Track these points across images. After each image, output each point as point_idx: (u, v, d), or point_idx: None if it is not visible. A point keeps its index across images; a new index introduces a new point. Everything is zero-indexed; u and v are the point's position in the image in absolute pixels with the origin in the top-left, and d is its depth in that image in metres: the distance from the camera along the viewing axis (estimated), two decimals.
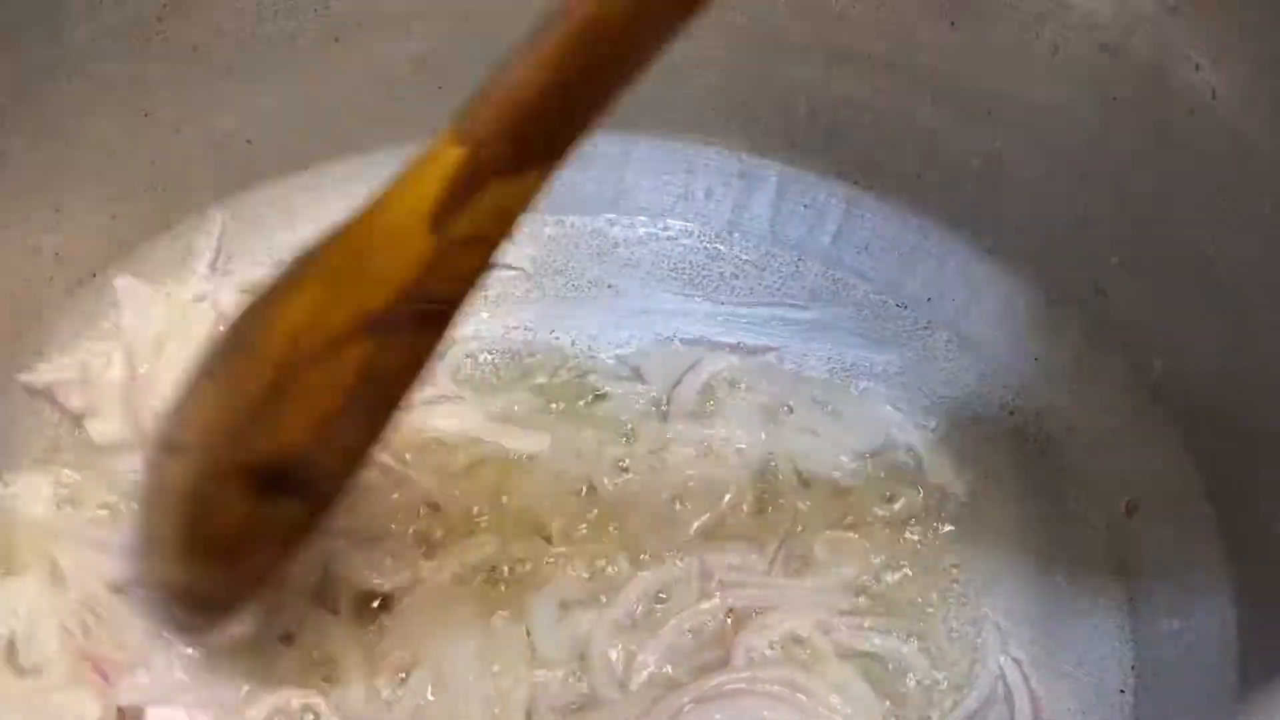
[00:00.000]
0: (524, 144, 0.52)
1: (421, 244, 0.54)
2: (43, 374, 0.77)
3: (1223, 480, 0.69)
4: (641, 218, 0.91)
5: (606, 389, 0.82)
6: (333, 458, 0.59)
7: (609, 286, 0.89)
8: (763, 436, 0.80)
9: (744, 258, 0.90)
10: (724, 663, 0.69)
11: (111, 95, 0.77)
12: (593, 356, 0.84)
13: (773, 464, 0.79)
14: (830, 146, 0.88)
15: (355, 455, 0.60)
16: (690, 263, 0.90)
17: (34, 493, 0.72)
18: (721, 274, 0.89)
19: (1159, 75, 0.70)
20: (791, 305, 0.88)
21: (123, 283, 0.80)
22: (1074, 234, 0.79)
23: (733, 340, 0.86)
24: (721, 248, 0.90)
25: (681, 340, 0.85)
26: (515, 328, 0.85)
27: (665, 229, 0.91)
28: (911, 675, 0.70)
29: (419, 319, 0.55)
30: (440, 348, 0.57)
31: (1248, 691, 0.61)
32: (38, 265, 0.77)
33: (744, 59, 0.87)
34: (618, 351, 0.85)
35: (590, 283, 0.89)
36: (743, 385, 0.83)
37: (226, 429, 0.58)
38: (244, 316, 0.60)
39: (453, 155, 0.53)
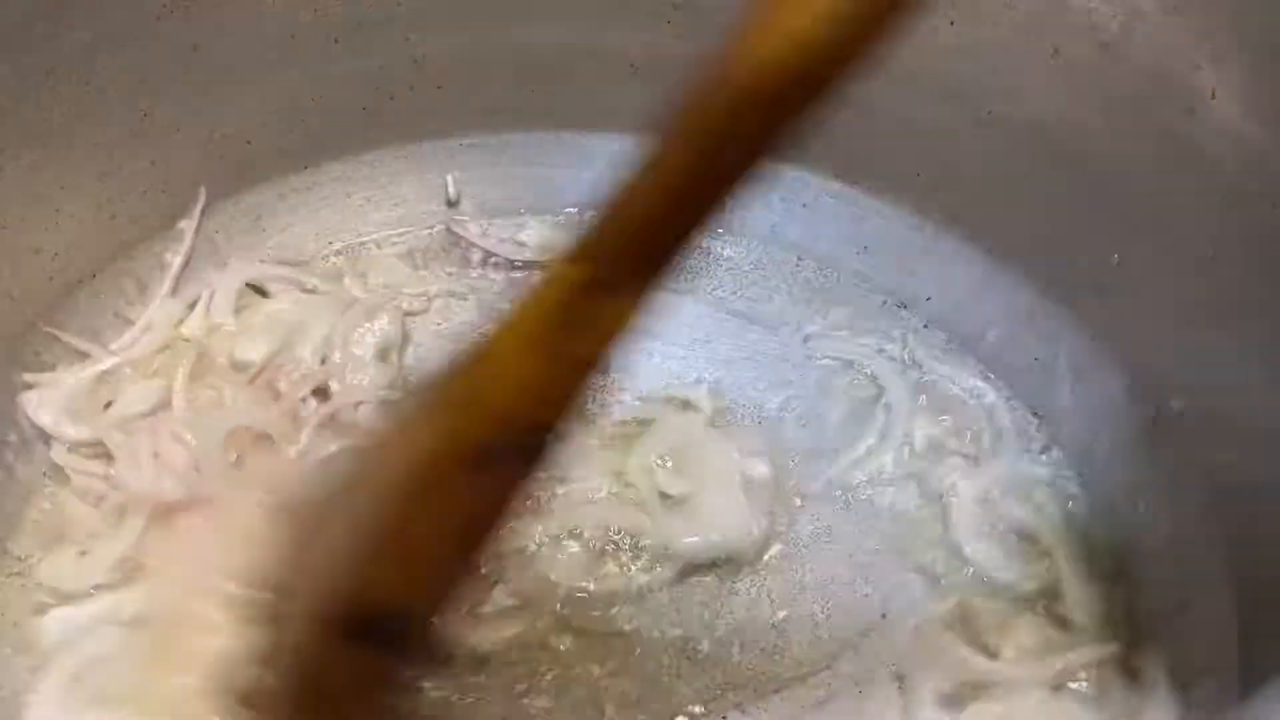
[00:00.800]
0: (633, 263, 0.51)
1: (527, 366, 0.51)
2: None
3: (1222, 481, 0.69)
4: None
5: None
6: (426, 600, 0.56)
7: None
8: None
9: (744, 258, 0.90)
10: None
11: (111, 95, 0.77)
12: None
13: None
14: (830, 146, 0.88)
15: (443, 597, 0.57)
16: (689, 263, 0.90)
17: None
18: (721, 273, 0.90)
19: (1159, 75, 0.70)
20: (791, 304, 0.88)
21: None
22: (1074, 234, 0.79)
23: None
24: (720, 247, 0.90)
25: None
26: None
27: None
28: None
29: (518, 449, 0.53)
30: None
31: (1248, 691, 0.61)
32: (38, 265, 0.77)
33: None
34: None
35: None
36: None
37: (334, 576, 0.56)
38: (362, 456, 0.58)
39: (567, 273, 0.51)
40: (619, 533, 0.75)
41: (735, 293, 0.89)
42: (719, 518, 0.75)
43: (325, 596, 0.56)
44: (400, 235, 0.92)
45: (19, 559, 0.74)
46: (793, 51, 0.46)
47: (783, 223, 0.90)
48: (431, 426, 0.54)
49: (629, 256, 0.51)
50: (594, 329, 0.51)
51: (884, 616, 0.73)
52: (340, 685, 0.58)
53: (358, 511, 0.55)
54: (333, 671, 0.57)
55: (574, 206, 0.92)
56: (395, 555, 0.54)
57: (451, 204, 0.93)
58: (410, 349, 0.85)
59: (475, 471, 0.52)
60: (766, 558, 0.76)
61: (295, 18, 0.82)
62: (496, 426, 0.52)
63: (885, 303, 0.89)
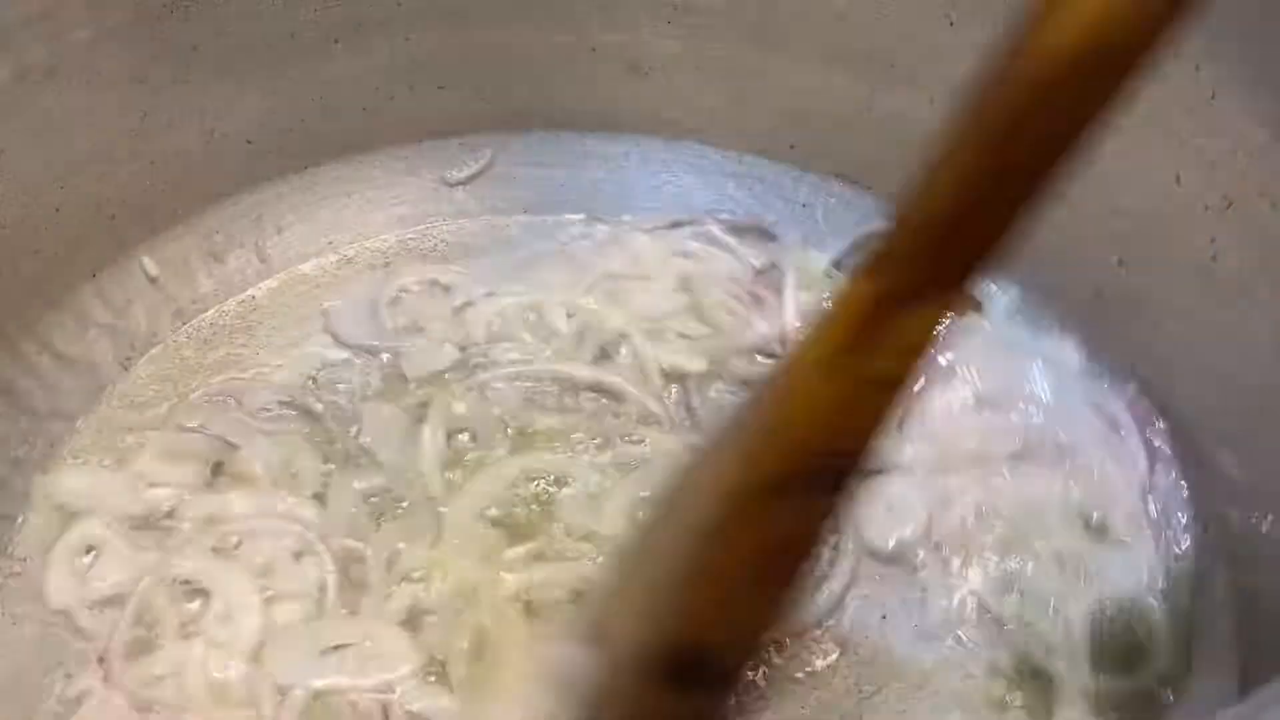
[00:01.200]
0: (927, 271, 0.47)
1: (823, 391, 0.48)
2: None
3: (1221, 483, 0.69)
4: (640, 218, 0.91)
5: None
6: (737, 639, 0.55)
7: None
8: None
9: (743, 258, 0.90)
10: None
11: (111, 95, 0.77)
12: None
13: None
14: (830, 146, 0.88)
15: (757, 634, 0.56)
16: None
17: None
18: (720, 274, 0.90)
19: (1159, 75, 0.70)
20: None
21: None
22: (1074, 235, 0.79)
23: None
24: (720, 248, 0.90)
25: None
26: None
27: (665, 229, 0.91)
28: None
29: (820, 477, 0.50)
30: None
31: (1248, 691, 0.61)
32: (38, 265, 0.77)
33: (744, 59, 0.87)
34: None
35: None
36: None
37: (652, 618, 0.55)
38: (670, 496, 0.57)
39: (859, 290, 0.47)
40: None
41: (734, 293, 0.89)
42: None
43: (645, 639, 0.55)
44: (400, 235, 0.92)
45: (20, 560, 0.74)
46: (1090, 37, 0.43)
47: (782, 223, 0.90)
48: (734, 459, 0.52)
49: (924, 265, 0.46)
50: (894, 346, 0.47)
51: None
52: None
53: (669, 552, 0.54)
54: (655, 715, 0.56)
55: (572, 206, 0.92)
56: (709, 593, 0.53)
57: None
58: None
59: (779, 502, 0.50)
60: None
61: (295, 18, 0.82)
62: (797, 456, 0.49)
63: None
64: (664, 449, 0.77)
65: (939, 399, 0.78)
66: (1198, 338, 0.71)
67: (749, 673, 0.59)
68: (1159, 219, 0.72)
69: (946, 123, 0.46)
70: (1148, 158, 0.72)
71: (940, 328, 0.47)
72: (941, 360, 0.76)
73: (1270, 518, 0.65)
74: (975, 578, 0.71)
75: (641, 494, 0.74)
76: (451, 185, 0.93)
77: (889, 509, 0.74)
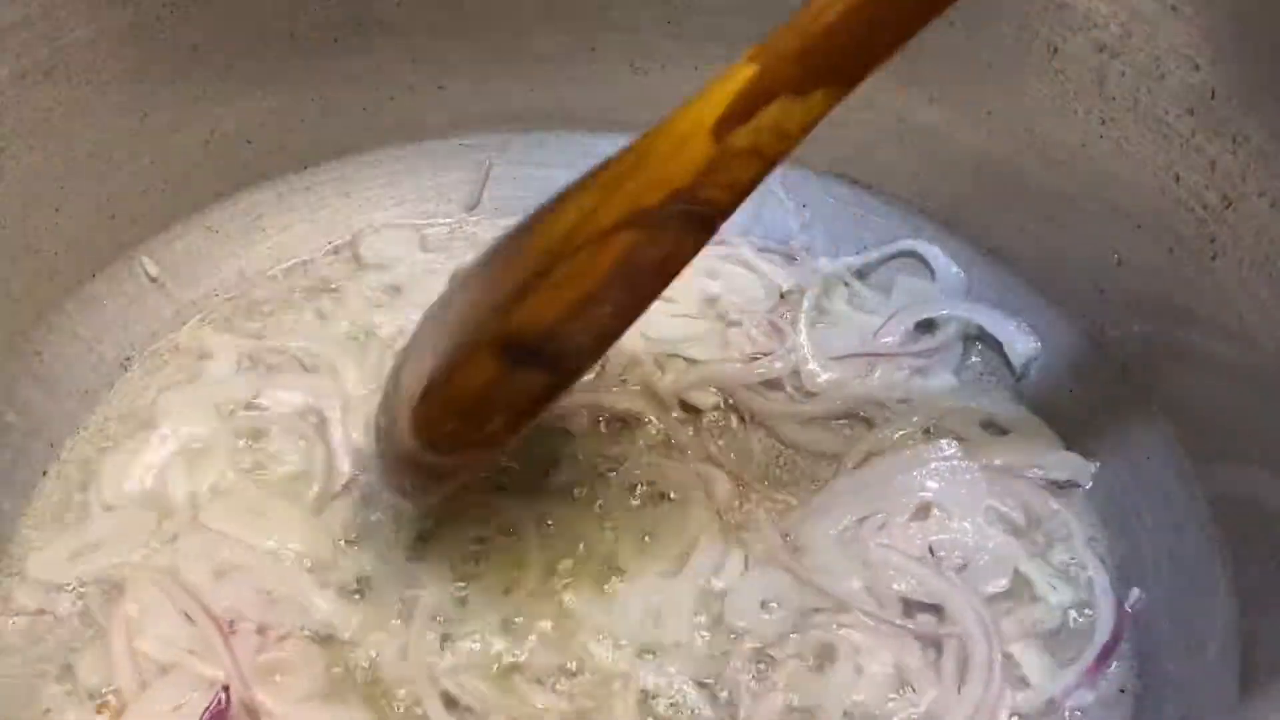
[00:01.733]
0: (815, 66, 0.55)
1: (701, 149, 0.56)
2: None
3: (1222, 483, 0.69)
4: None
5: None
6: (584, 337, 0.61)
7: None
8: None
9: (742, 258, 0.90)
10: None
11: (111, 95, 0.77)
12: None
13: None
14: (830, 146, 0.88)
15: (604, 338, 0.63)
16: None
17: None
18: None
19: (1159, 75, 0.70)
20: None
21: None
22: (1074, 234, 0.79)
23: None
24: (719, 248, 0.90)
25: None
26: None
27: None
28: None
29: (686, 219, 0.58)
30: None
31: (1248, 691, 0.61)
32: (38, 265, 0.77)
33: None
34: None
35: None
36: None
37: (489, 306, 0.61)
38: (526, 220, 0.63)
39: (745, 71, 0.56)
40: None
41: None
42: None
43: (490, 318, 0.61)
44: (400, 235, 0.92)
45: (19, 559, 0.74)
46: None
47: (781, 223, 0.90)
48: (603, 192, 0.59)
49: (814, 63, 0.55)
50: (765, 125, 0.56)
51: None
52: (488, 395, 0.62)
53: (528, 255, 0.61)
54: (484, 382, 0.62)
55: None
56: (557, 291, 0.59)
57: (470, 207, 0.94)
58: None
59: (641, 229, 0.58)
60: None
61: (295, 18, 0.82)
62: (665, 196, 0.57)
63: (885, 302, 0.88)
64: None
65: None
66: (1198, 338, 0.71)
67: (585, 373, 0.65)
68: (1159, 219, 0.72)
69: None
70: (1148, 158, 0.72)
71: (811, 123, 0.56)
72: None
73: (1270, 517, 0.65)
74: None
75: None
76: (451, 186, 0.93)
77: None
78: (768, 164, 0.58)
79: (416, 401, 0.64)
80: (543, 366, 0.61)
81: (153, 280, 0.84)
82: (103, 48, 0.75)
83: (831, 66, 0.56)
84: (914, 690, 0.68)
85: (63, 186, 0.77)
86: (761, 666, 0.69)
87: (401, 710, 0.67)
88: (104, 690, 0.68)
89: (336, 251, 0.91)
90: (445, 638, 0.70)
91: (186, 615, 0.69)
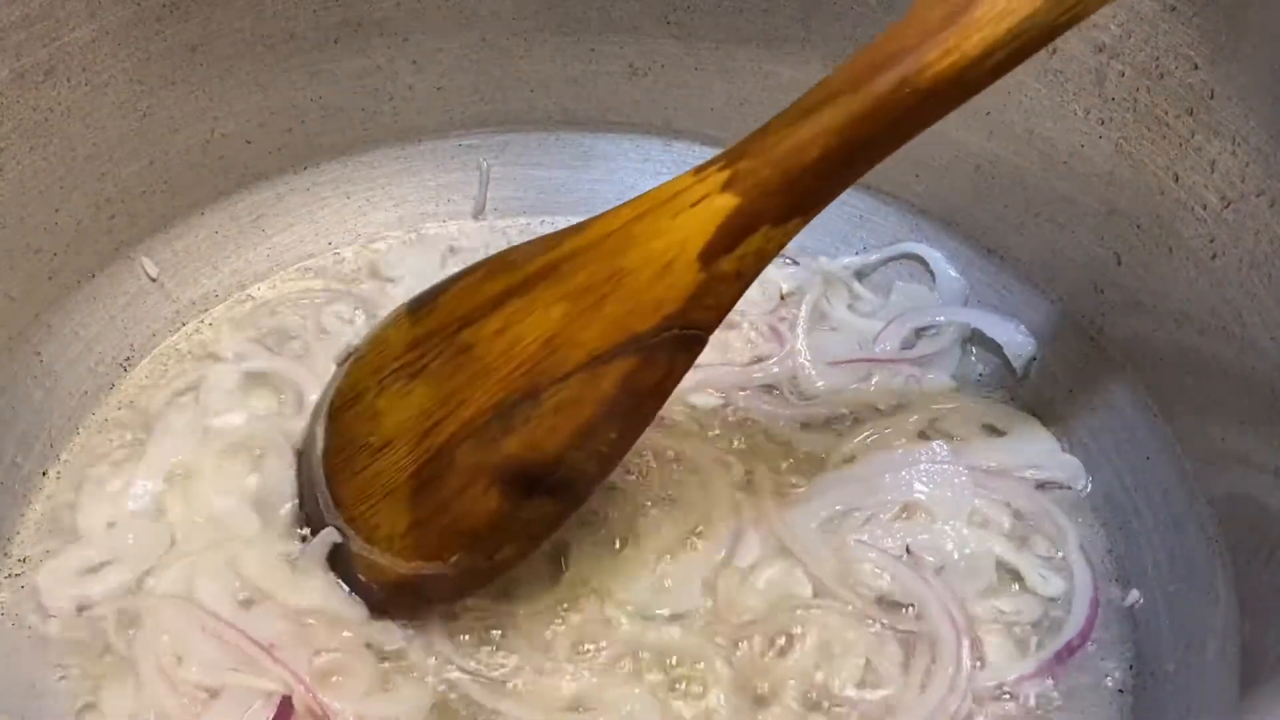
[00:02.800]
0: (798, 199, 0.59)
1: (690, 276, 0.60)
2: None
3: (1222, 483, 0.69)
4: None
5: None
6: (590, 464, 0.64)
7: None
8: None
9: None
10: None
11: (111, 95, 0.77)
12: None
13: None
14: None
15: (610, 461, 0.66)
16: None
17: None
18: None
19: (1159, 75, 0.70)
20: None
21: None
22: (1074, 234, 0.79)
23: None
24: None
25: None
26: None
27: None
28: None
29: (678, 341, 0.62)
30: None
31: (1248, 691, 0.61)
32: (38, 265, 0.77)
33: (744, 59, 0.87)
34: None
35: None
36: None
37: (463, 423, 0.63)
38: (443, 319, 0.66)
39: (728, 203, 0.59)
40: None
41: None
42: None
43: (476, 447, 0.63)
44: (400, 235, 0.92)
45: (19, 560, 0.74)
46: (999, 48, 0.55)
47: None
48: (578, 307, 0.61)
49: (795, 199, 0.59)
50: (748, 251, 0.60)
51: None
52: (495, 527, 0.64)
53: (495, 372, 0.62)
54: (489, 516, 0.64)
55: (573, 207, 0.92)
56: (557, 419, 0.62)
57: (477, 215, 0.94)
58: None
59: (637, 356, 0.61)
60: None
61: (295, 18, 0.82)
62: (659, 322, 0.61)
63: (884, 302, 0.88)
64: None
65: None
66: (1198, 337, 0.71)
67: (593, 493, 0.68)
68: (1159, 219, 0.72)
69: (825, 82, 0.58)
70: (1147, 158, 0.72)
71: (787, 242, 0.61)
72: None
73: (1271, 517, 0.65)
74: None
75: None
76: (451, 186, 0.93)
77: None
78: (747, 284, 0.62)
79: (405, 529, 0.65)
80: (550, 494, 0.64)
81: (153, 280, 0.84)
82: (103, 48, 0.75)
83: (811, 196, 0.59)
84: (879, 684, 0.69)
85: (63, 186, 0.77)
86: (744, 644, 0.70)
87: (455, 697, 0.68)
88: None
89: (341, 257, 0.91)
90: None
91: (219, 638, 0.68)
